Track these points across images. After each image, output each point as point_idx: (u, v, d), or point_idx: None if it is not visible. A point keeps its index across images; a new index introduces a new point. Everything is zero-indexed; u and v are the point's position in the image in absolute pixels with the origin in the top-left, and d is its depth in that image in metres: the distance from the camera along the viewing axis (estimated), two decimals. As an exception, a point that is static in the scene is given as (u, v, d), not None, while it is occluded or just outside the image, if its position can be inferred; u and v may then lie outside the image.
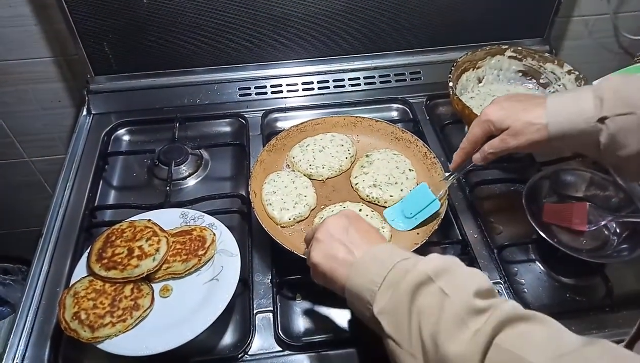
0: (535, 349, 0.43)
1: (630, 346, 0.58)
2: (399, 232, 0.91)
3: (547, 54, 1.16)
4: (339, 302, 0.84)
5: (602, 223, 0.91)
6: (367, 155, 1.04)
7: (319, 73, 1.27)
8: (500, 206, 1.02)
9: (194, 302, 0.80)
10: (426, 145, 1.02)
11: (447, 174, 0.92)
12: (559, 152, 0.88)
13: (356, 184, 1.00)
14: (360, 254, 0.60)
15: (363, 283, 0.56)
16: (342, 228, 0.64)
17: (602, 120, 0.66)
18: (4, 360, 0.78)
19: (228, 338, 0.82)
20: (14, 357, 0.79)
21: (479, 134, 0.80)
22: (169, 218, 0.90)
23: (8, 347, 0.79)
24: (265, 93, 1.25)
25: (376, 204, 0.97)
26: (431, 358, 0.47)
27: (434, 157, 0.99)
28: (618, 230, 0.91)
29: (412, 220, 0.91)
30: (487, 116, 0.77)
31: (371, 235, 0.64)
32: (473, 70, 1.18)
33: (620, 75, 0.69)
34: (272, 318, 0.83)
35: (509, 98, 0.79)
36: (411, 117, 1.19)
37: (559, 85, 1.14)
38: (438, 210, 0.89)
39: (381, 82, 1.28)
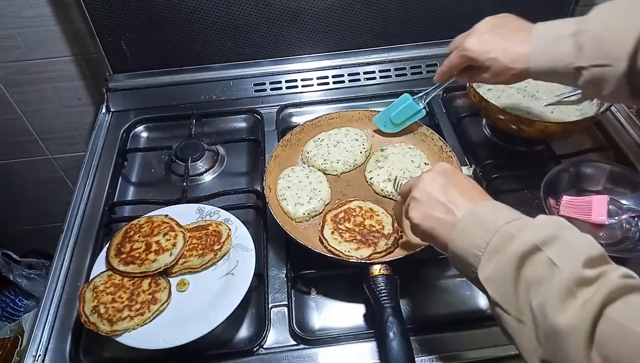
0: None
1: None
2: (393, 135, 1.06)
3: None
4: (353, 296, 0.85)
5: (623, 217, 0.89)
6: (381, 149, 1.04)
7: (334, 67, 1.26)
8: (519, 199, 1.01)
9: (210, 296, 0.81)
10: (442, 139, 1.01)
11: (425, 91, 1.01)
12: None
13: (371, 179, 0.99)
14: (461, 214, 0.59)
15: (466, 247, 0.56)
16: (440, 186, 0.63)
17: (579, 69, 0.66)
18: (27, 352, 0.80)
19: (244, 332, 0.83)
20: (37, 348, 0.81)
21: (458, 64, 0.81)
22: (185, 213, 0.91)
23: (32, 338, 0.82)
24: (280, 88, 1.25)
25: (391, 199, 0.96)
26: (539, 325, 0.47)
27: (450, 151, 0.98)
28: (639, 224, 0.89)
29: (401, 125, 1.05)
30: (467, 50, 0.77)
31: (471, 192, 0.62)
32: (490, 61, 1.16)
33: (606, 12, 0.66)
34: (287, 312, 0.83)
35: (492, 28, 0.77)
36: (427, 110, 1.18)
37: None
38: (424, 115, 1.04)
39: (397, 75, 1.27)
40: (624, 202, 0.90)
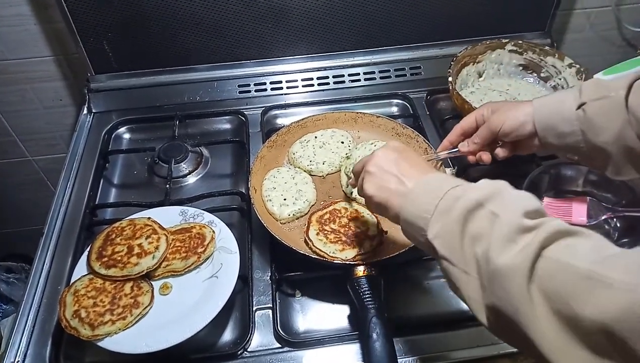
0: (581, 256, 0.45)
1: None
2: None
3: (547, 48, 1.15)
4: (338, 297, 0.85)
5: (603, 217, 0.90)
6: (347, 157, 1.03)
7: (318, 69, 1.27)
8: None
9: (194, 299, 0.80)
10: (427, 141, 1.01)
11: (433, 155, 0.94)
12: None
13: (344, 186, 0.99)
14: (411, 184, 0.62)
15: (416, 212, 0.59)
16: (392, 160, 0.66)
17: (580, 106, 0.71)
18: (6, 358, 0.79)
19: (228, 335, 0.83)
20: (16, 355, 0.79)
21: (471, 124, 0.86)
22: (168, 216, 0.91)
23: (10, 345, 0.80)
24: (265, 90, 1.25)
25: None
26: (483, 272, 0.50)
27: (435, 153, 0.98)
28: (619, 225, 0.91)
29: None
30: (481, 109, 0.84)
31: (420, 165, 0.66)
32: (473, 64, 1.17)
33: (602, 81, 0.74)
34: (271, 315, 0.83)
35: (499, 104, 0.85)
36: (411, 112, 1.19)
37: (560, 79, 1.13)
38: None
39: (381, 78, 1.28)
40: (603, 203, 0.92)
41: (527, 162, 1.04)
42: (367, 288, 0.75)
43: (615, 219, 0.91)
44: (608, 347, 0.41)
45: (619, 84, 0.69)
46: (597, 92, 0.70)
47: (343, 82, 1.27)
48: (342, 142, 1.05)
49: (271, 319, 0.82)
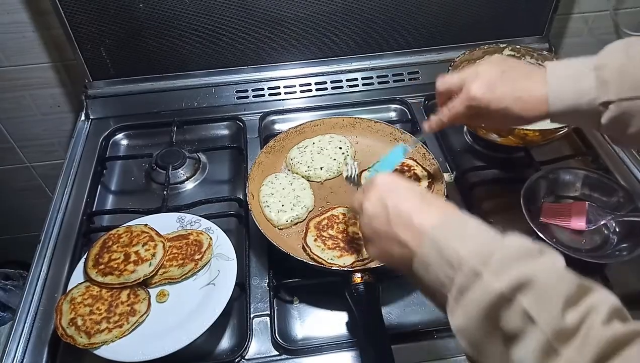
0: None
1: None
2: None
3: (545, 52, 1.15)
4: (336, 304, 0.85)
5: (602, 222, 0.90)
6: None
7: (316, 74, 1.26)
8: (499, 206, 1.02)
9: (191, 306, 0.79)
10: (425, 146, 1.01)
11: (418, 138, 0.93)
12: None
13: (353, 186, 0.99)
14: (416, 243, 0.53)
15: (433, 282, 0.51)
16: (385, 219, 0.57)
17: (605, 104, 0.61)
18: (1, 367, 0.78)
19: (225, 343, 0.82)
20: (12, 363, 0.79)
21: (463, 114, 0.73)
22: (165, 222, 0.90)
23: (6, 353, 0.80)
24: (263, 95, 1.25)
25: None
26: None
27: (433, 158, 0.98)
28: (618, 229, 0.90)
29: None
30: (476, 100, 0.70)
31: (419, 209, 0.56)
32: (471, 69, 1.17)
33: (623, 49, 0.63)
34: (269, 322, 0.82)
35: (500, 73, 0.70)
36: (409, 117, 1.19)
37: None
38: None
39: (379, 83, 1.28)
40: (602, 208, 0.91)
41: (526, 167, 1.04)
42: (364, 295, 0.75)
43: (614, 224, 0.91)
44: None
45: None
46: (626, 88, 0.60)
47: (341, 87, 1.27)
48: (340, 148, 1.05)
49: (269, 326, 0.82)
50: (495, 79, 0.69)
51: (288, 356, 0.79)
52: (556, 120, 0.68)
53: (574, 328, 0.40)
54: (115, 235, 0.86)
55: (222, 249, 0.86)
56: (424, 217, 0.54)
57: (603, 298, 0.42)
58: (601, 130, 0.65)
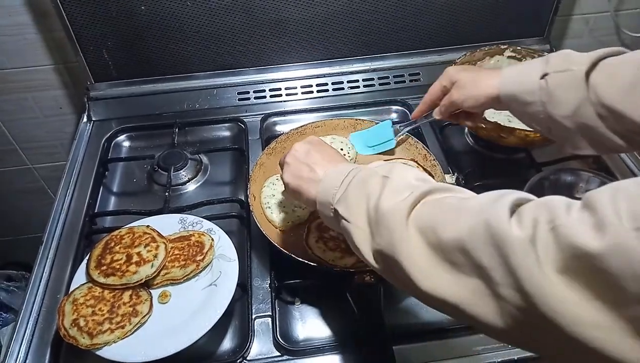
0: (453, 197, 0.53)
1: None
2: (364, 156, 1.05)
3: (546, 54, 1.15)
4: (338, 305, 0.85)
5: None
6: None
7: (317, 76, 1.27)
8: (501, 207, 1.02)
9: (193, 307, 0.80)
10: (426, 147, 1.01)
11: (405, 123, 1.03)
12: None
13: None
14: (322, 172, 0.68)
15: (326, 190, 0.64)
16: (305, 152, 0.72)
17: (543, 76, 0.69)
18: (4, 368, 0.79)
19: (227, 344, 0.82)
20: (15, 364, 0.79)
21: (437, 93, 0.89)
22: (167, 224, 0.90)
23: (8, 354, 0.80)
24: (264, 97, 1.25)
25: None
26: (372, 221, 0.56)
27: (434, 159, 0.98)
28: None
29: (370, 149, 1.05)
30: (443, 79, 0.86)
31: (332, 156, 0.72)
32: (472, 70, 1.17)
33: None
34: (270, 323, 0.82)
35: (462, 69, 0.86)
36: (410, 118, 1.19)
37: (559, 85, 1.13)
38: (393, 148, 1.04)
39: (380, 84, 1.28)
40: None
41: (527, 167, 1.04)
42: (366, 296, 0.75)
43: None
44: (463, 261, 0.46)
45: (582, 59, 0.68)
46: (561, 64, 0.69)
47: (342, 88, 1.27)
48: (342, 149, 1.05)
49: (270, 327, 0.82)
50: (465, 69, 0.86)
51: (290, 357, 0.79)
52: (506, 99, 0.76)
53: (417, 185, 0.56)
54: (118, 237, 0.86)
55: (224, 250, 0.86)
56: (336, 159, 0.71)
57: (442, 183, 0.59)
58: (543, 120, 0.72)
